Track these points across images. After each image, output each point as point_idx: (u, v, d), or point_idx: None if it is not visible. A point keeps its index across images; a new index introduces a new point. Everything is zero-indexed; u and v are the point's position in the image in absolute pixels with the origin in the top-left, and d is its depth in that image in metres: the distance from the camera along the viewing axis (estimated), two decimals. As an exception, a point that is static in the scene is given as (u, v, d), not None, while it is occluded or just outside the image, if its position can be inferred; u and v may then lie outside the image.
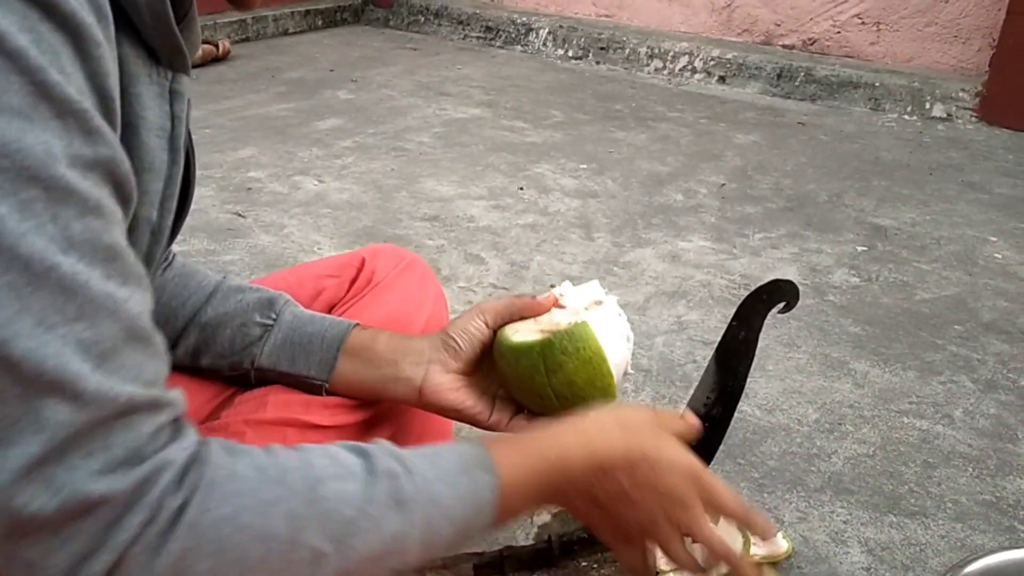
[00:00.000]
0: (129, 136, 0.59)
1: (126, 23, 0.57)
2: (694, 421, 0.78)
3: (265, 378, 0.95)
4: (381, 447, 0.62)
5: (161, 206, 0.64)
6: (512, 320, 0.87)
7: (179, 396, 0.54)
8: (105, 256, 0.48)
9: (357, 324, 0.94)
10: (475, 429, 0.88)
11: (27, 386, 0.46)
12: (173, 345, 0.93)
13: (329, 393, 0.92)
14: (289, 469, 0.56)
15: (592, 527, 0.74)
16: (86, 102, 0.47)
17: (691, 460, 0.72)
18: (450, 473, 0.63)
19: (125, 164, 0.50)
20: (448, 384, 0.87)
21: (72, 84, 0.46)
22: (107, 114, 0.50)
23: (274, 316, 0.93)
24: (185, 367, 0.95)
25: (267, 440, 0.92)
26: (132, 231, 0.61)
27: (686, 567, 0.73)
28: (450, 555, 1.03)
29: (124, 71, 0.57)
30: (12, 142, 0.44)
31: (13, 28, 0.44)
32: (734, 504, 0.72)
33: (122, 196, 0.51)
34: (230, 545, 0.52)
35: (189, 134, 0.74)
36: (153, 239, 0.64)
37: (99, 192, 0.48)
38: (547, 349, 0.80)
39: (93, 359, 0.47)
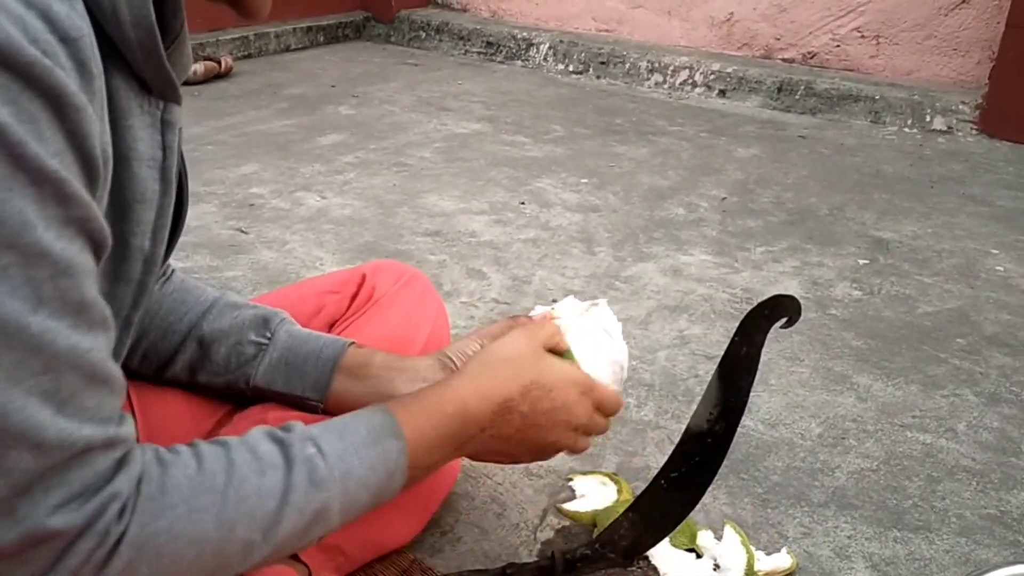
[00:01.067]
0: (121, 168, 0.61)
1: (116, 56, 0.58)
2: (552, 324, 0.86)
3: (261, 397, 0.95)
4: (296, 432, 0.67)
5: (154, 236, 0.65)
6: None
7: (130, 427, 0.58)
8: (72, 310, 0.52)
9: (353, 343, 0.94)
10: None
11: None
12: (170, 360, 0.94)
13: (324, 412, 0.93)
14: (216, 473, 0.61)
15: (508, 459, 0.83)
16: (63, 169, 0.49)
17: (573, 372, 0.82)
18: (360, 446, 0.69)
19: (98, 221, 0.53)
20: None
21: (50, 150, 0.48)
22: (89, 172, 0.52)
23: (269, 335, 0.93)
24: (183, 383, 0.95)
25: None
26: (125, 261, 0.64)
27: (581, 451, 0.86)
28: (453, 572, 1.03)
29: (115, 104, 0.59)
30: None
31: None
32: (615, 403, 0.85)
33: (95, 245, 0.54)
34: (167, 551, 0.57)
35: (182, 159, 0.75)
36: (146, 268, 0.66)
37: (72, 249, 0.51)
38: None
39: (54, 405, 0.51)
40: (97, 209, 0.53)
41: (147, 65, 0.60)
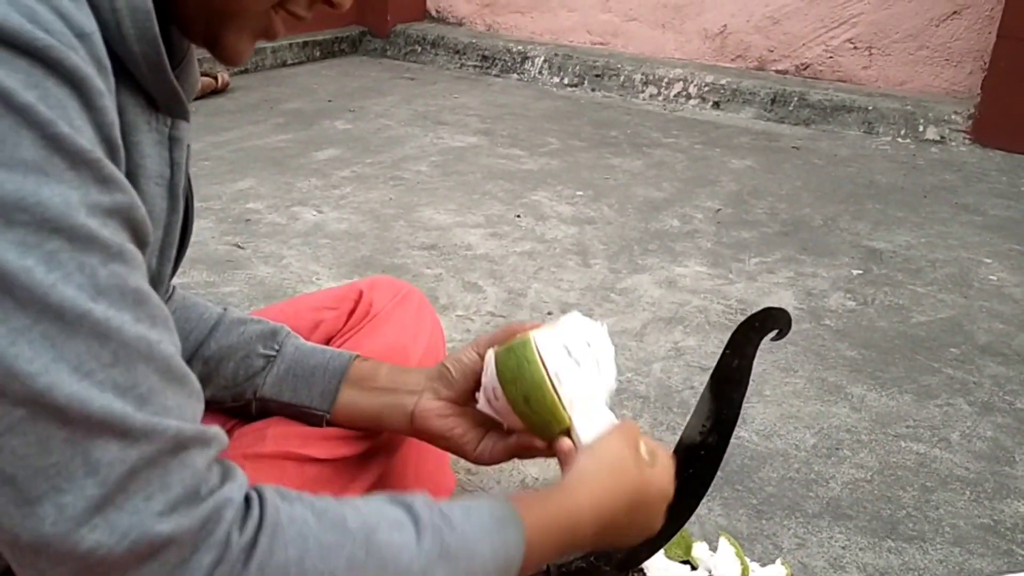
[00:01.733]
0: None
1: (124, 72, 0.58)
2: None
3: (267, 409, 0.95)
4: (423, 499, 0.64)
5: (160, 254, 0.65)
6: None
7: (221, 432, 0.55)
8: (133, 300, 0.49)
9: (358, 356, 0.95)
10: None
11: (73, 430, 0.46)
12: None
13: (330, 424, 0.93)
14: (346, 516, 0.58)
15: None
16: (97, 151, 0.48)
17: (664, 483, 0.81)
18: (485, 529, 0.66)
19: (141, 210, 0.51)
20: (437, 410, 0.88)
21: (82, 135, 0.47)
22: (115, 163, 0.51)
23: (277, 347, 0.94)
24: None
25: (265, 474, 0.93)
26: None
27: None
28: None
29: (123, 120, 0.58)
30: (30, 195, 0.45)
31: (19, 85, 0.45)
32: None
33: (139, 241, 0.52)
34: None
35: (188, 177, 0.76)
36: (152, 286, 0.64)
37: (119, 238, 0.49)
38: (502, 357, 0.81)
39: (133, 402, 0.48)
40: (138, 196, 0.51)
41: (153, 80, 0.60)
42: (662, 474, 0.80)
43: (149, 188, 0.62)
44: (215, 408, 0.96)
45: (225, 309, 0.97)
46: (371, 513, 0.60)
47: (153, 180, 0.62)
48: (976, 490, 1.30)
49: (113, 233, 0.48)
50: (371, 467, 1.00)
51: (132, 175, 0.60)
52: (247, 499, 0.54)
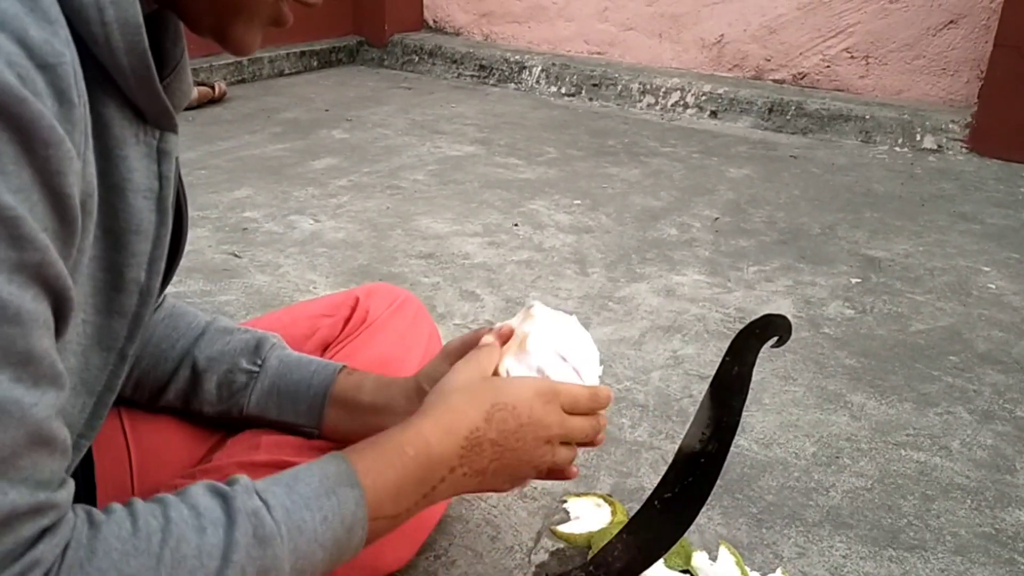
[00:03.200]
0: (115, 199, 0.60)
1: (110, 84, 0.57)
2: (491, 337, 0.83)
3: (256, 424, 0.94)
4: (240, 485, 0.62)
5: (149, 267, 0.64)
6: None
7: (68, 492, 0.54)
8: (18, 361, 0.48)
9: (343, 368, 0.93)
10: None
11: None
12: (163, 389, 0.93)
13: (320, 438, 0.92)
14: (151, 533, 0.56)
15: (491, 489, 0.78)
16: (22, 207, 0.46)
17: (532, 383, 0.77)
18: (312, 497, 0.64)
19: (56, 268, 0.50)
20: None
21: (11, 185, 0.46)
22: (60, 213, 0.49)
23: (259, 362, 0.92)
24: (176, 410, 0.95)
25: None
26: (120, 293, 0.62)
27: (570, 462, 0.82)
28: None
29: (109, 134, 0.58)
30: None
31: None
32: (587, 398, 0.80)
33: (54, 296, 0.51)
34: None
35: (181, 186, 0.75)
36: (141, 300, 0.64)
37: (21, 296, 0.48)
38: None
39: None
40: (57, 256, 0.50)
41: (141, 93, 0.59)
42: (520, 386, 0.76)
43: (137, 202, 0.61)
44: (205, 419, 0.96)
45: (214, 318, 0.96)
46: (182, 519, 0.58)
47: (141, 194, 0.61)
48: (977, 499, 1.29)
49: (16, 290, 0.47)
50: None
51: (119, 188, 0.60)
52: (64, 547, 0.53)
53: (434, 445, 0.71)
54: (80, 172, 0.51)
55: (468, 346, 0.86)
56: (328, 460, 0.68)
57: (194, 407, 0.94)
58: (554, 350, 0.81)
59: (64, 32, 0.49)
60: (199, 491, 0.61)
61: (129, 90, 0.58)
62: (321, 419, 0.91)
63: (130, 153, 0.60)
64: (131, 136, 0.60)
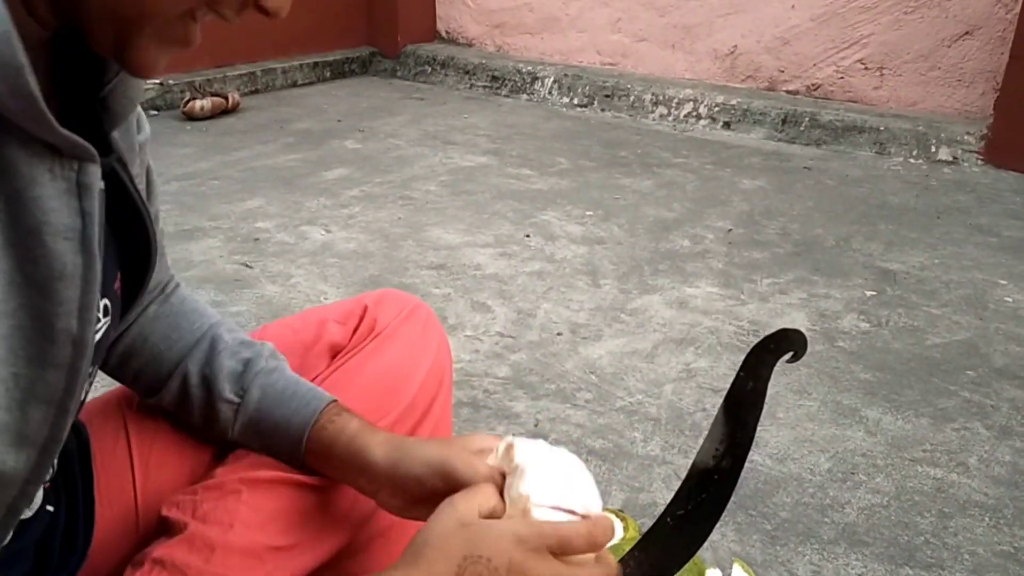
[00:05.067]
0: (33, 244, 0.55)
1: (11, 125, 0.53)
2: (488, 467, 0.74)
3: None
4: None
5: (80, 315, 0.59)
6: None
7: None
8: None
9: (327, 408, 0.88)
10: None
11: None
12: (158, 391, 0.93)
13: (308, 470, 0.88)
14: None
15: None
16: None
17: (512, 527, 0.68)
18: None
19: None
20: (395, 506, 0.82)
21: None
22: None
23: (242, 392, 0.89)
24: (181, 422, 0.94)
25: (263, 498, 0.90)
26: (51, 344, 0.58)
27: None
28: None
29: (15, 176, 0.54)
30: None
31: None
32: (582, 536, 0.69)
33: None
34: None
35: (143, 198, 0.71)
36: (76, 351, 0.60)
37: None
38: None
39: None
40: None
41: (42, 132, 0.54)
42: (498, 532, 0.68)
43: (57, 245, 0.56)
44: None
45: (215, 324, 0.93)
46: None
47: (62, 235, 0.57)
48: (995, 516, 1.27)
49: None
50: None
51: (35, 233, 0.55)
52: None
53: None
54: None
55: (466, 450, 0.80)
56: None
57: (184, 418, 0.92)
58: (549, 502, 0.72)
59: None
60: None
61: (30, 130, 0.54)
62: (302, 463, 0.87)
63: (43, 192, 0.55)
64: (44, 173, 0.55)
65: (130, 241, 0.74)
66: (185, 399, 0.91)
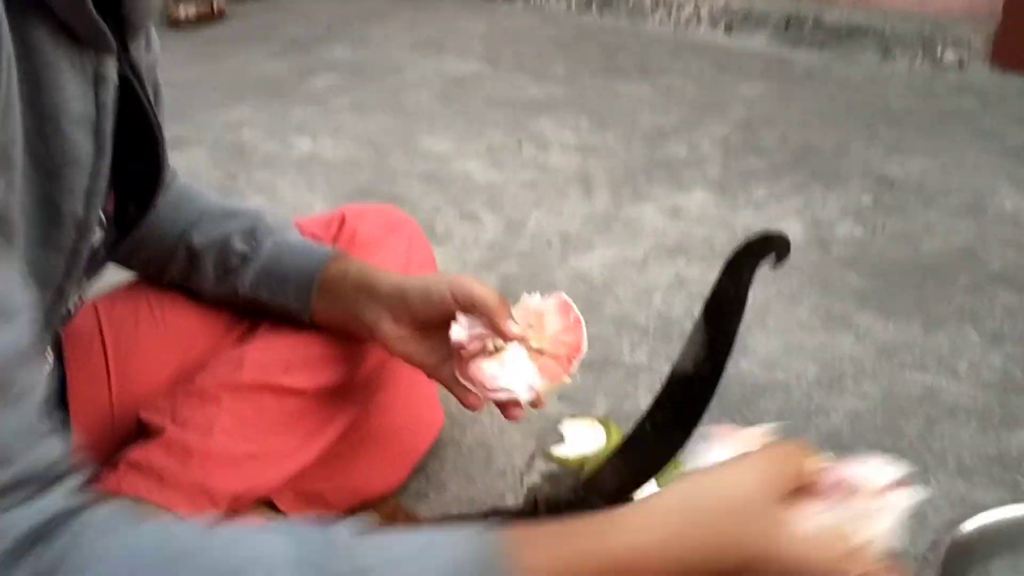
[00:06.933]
0: (48, 129, 0.57)
1: (42, 8, 0.54)
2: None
3: (253, 308, 0.95)
4: (345, 537, 0.48)
5: (87, 200, 0.61)
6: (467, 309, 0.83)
7: (44, 453, 0.48)
8: None
9: (332, 255, 0.93)
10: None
11: None
12: (165, 266, 0.95)
13: (312, 323, 0.91)
14: (184, 555, 0.45)
15: None
16: None
17: (827, 546, 0.55)
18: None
19: None
20: (395, 334, 0.86)
21: None
22: None
23: (254, 243, 0.93)
24: (189, 295, 0.97)
25: (243, 404, 0.91)
26: (56, 227, 0.60)
27: None
28: (435, 516, 1.01)
29: (40, 60, 0.55)
30: None
31: None
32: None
33: None
34: None
35: (151, 107, 0.72)
36: (79, 234, 0.62)
37: None
38: None
39: None
40: None
41: (72, 16, 0.55)
42: (819, 540, 0.54)
43: (72, 132, 0.58)
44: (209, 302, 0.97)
45: (217, 201, 0.98)
46: (241, 554, 0.46)
47: (77, 123, 0.58)
48: (982, 420, 1.26)
49: None
50: (355, 399, 0.98)
51: (53, 118, 0.57)
52: (51, 522, 0.46)
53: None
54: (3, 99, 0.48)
55: (476, 299, 0.82)
56: (476, 536, 0.50)
57: (194, 285, 0.95)
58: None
59: None
60: (283, 526, 0.51)
61: (61, 12, 0.55)
62: (310, 303, 0.91)
63: (64, 79, 0.57)
64: (65, 61, 0.57)
65: (132, 158, 0.73)
66: (193, 263, 0.94)
